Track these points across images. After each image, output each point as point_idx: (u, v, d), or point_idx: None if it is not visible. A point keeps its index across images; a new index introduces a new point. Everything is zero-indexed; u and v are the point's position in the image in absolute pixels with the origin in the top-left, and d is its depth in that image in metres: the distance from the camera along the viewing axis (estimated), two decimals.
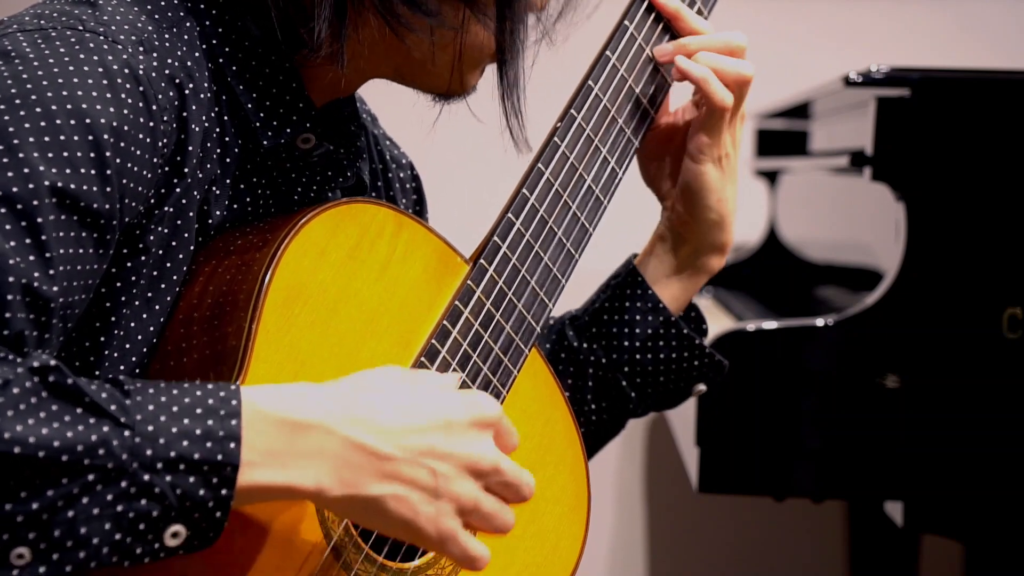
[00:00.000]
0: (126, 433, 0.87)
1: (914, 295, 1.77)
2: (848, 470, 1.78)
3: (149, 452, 0.88)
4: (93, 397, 0.87)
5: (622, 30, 1.23)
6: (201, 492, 0.89)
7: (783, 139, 2.67)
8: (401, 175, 1.32)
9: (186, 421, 0.89)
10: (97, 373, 1.02)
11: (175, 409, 0.89)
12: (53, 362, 0.87)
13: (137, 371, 1.03)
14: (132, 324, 1.03)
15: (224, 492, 0.89)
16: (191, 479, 0.88)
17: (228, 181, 1.08)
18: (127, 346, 1.03)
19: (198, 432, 0.89)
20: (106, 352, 1.02)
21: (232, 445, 0.90)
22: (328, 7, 1.06)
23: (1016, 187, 1.78)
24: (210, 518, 0.90)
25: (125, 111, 0.97)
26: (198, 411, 0.90)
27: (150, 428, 0.88)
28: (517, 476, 1.02)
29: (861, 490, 1.88)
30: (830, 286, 2.34)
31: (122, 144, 0.96)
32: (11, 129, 0.92)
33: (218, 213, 1.08)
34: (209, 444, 0.89)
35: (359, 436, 0.95)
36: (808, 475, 1.79)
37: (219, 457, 0.89)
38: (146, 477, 0.87)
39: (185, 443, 0.89)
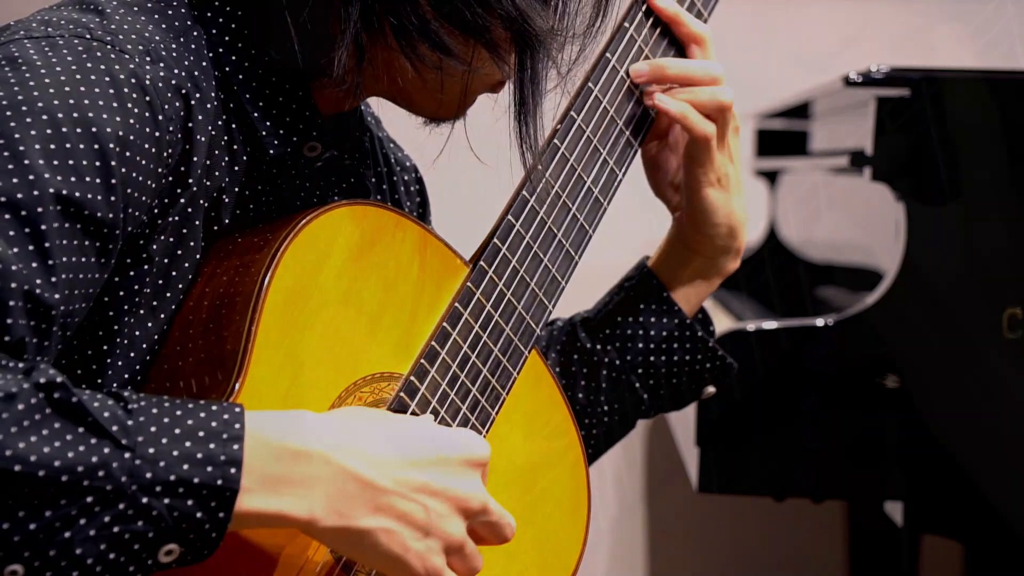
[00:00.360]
0: (126, 455, 0.87)
1: (914, 295, 1.77)
2: (848, 470, 1.78)
3: (149, 475, 0.87)
4: (96, 416, 0.87)
5: (622, 32, 1.23)
6: (199, 515, 0.89)
7: (783, 139, 2.66)
8: (406, 178, 1.32)
9: (187, 444, 0.89)
10: (100, 381, 1.02)
11: (177, 431, 0.89)
12: (59, 378, 0.87)
13: (139, 378, 1.03)
14: (137, 332, 1.02)
15: (222, 515, 0.89)
16: (189, 502, 0.88)
17: (236, 189, 1.08)
18: (131, 354, 1.02)
19: (199, 456, 0.89)
20: (109, 360, 1.02)
21: (233, 470, 0.89)
22: (349, 42, 1.05)
23: (1016, 187, 1.78)
24: (206, 538, 0.90)
25: (131, 121, 0.97)
26: (200, 434, 0.89)
27: (151, 450, 0.88)
28: (501, 517, 1.02)
29: (861, 490, 1.88)
30: (830, 286, 2.34)
31: (127, 154, 0.96)
32: (17, 136, 0.92)
33: (226, 221, 1.08)
34: (210, 468, 0.89)
35: (355, 466, 0.94)
36: (808, 475, 1.79)
37: (219, 482, 0.89)
38: (144, 500, 0.87)
39: (186, 466, 0.88)
